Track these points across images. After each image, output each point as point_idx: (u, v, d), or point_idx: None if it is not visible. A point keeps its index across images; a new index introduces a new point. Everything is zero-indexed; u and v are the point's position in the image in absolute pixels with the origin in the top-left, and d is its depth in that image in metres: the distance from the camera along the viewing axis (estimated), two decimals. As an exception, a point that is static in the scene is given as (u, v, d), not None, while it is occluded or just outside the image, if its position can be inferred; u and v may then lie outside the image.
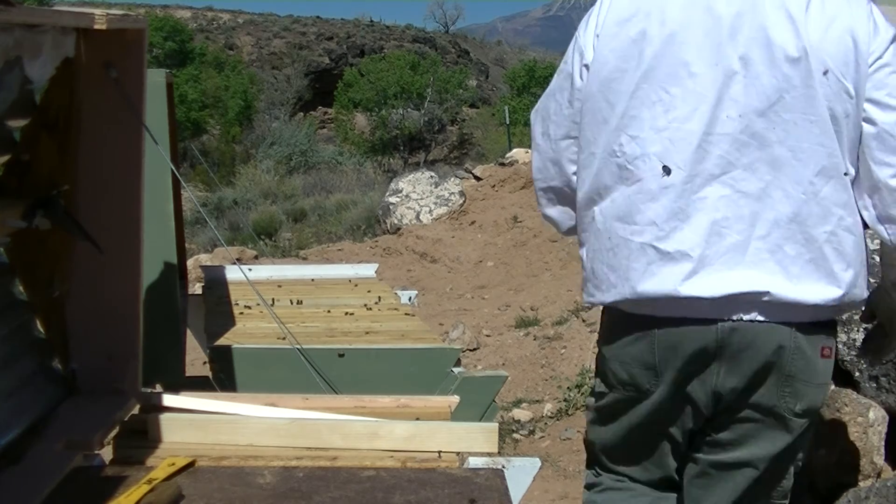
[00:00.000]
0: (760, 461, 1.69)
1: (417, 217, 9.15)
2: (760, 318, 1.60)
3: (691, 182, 1.58)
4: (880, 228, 1.61)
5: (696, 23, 1.57)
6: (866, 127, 1.57)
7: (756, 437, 1.67)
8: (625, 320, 1.70)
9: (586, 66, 1.68)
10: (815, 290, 1.58)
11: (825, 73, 1.54)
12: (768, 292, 1.57)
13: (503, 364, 5.01)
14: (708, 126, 1.57)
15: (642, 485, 1.85)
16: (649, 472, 1.83)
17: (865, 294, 1.66)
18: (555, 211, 1.86)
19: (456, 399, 1.80)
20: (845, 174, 1.58)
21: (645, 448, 1.81)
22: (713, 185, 1.57)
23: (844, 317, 2.47)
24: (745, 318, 1.60)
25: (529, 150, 10.08)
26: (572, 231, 1.85)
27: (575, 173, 1.75)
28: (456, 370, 2.25)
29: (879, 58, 1.55)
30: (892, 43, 1.58)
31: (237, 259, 5.35)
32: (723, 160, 1.57)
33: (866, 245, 1.68)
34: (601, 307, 1.79)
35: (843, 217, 1.57)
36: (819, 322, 1.63)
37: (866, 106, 1.56)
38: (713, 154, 1.57)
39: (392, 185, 9.98)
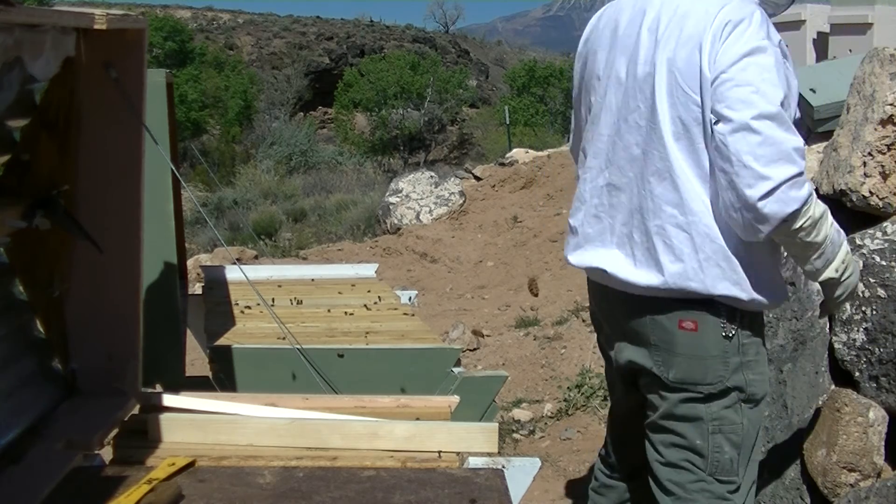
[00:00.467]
0: (665, 421, 1.86)
1: (417, 217, 9.14)
2: (618, 289, 1.87)
3: (588, 173, 1.95)
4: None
5: (603, 43, 1.92)
6: (712, 138, 1.70)
7: (654, 401, 1.88)
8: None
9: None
10: (645, 275, 1.81)
11: (676, 85, 1.72)
12: (605, 270, 1.87)
13: (503, 364, 5.00)
14: (598, 127, 1.91)
15: (608, 462, 2.15)
16: (625, 443, 2.09)
17: (720, 291, 1.76)
18: None
19: (456, 399, 1.81)
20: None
21: (618, 406, 2.10)
22: (599, 178, 1.91)
23: (844, 316, 2.47)
24: (612, 288, 1.89)
25: (529, 151, 10.11)
26: None
27: None
28: (456, 370, 2.26)
29: (723, 72, 1.68)
30: (743, 57, 1.67)
31: (237, 259, 5.35)
32: (605, 157, 1.90)
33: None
34: None
35: (675, 216, 1.76)
36: (679, 298, 1.77)
37: (711, 117, 1.70)
38: (601, 151, 1.91)
39: (392, 185, 9.96)
